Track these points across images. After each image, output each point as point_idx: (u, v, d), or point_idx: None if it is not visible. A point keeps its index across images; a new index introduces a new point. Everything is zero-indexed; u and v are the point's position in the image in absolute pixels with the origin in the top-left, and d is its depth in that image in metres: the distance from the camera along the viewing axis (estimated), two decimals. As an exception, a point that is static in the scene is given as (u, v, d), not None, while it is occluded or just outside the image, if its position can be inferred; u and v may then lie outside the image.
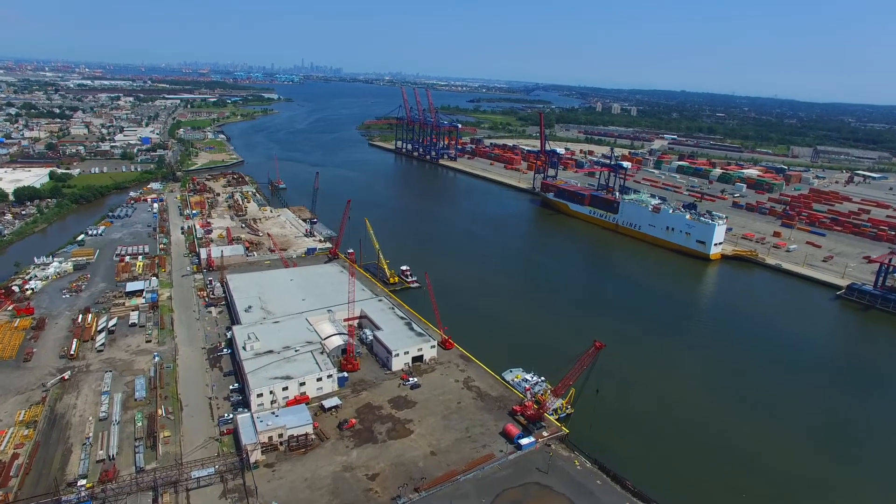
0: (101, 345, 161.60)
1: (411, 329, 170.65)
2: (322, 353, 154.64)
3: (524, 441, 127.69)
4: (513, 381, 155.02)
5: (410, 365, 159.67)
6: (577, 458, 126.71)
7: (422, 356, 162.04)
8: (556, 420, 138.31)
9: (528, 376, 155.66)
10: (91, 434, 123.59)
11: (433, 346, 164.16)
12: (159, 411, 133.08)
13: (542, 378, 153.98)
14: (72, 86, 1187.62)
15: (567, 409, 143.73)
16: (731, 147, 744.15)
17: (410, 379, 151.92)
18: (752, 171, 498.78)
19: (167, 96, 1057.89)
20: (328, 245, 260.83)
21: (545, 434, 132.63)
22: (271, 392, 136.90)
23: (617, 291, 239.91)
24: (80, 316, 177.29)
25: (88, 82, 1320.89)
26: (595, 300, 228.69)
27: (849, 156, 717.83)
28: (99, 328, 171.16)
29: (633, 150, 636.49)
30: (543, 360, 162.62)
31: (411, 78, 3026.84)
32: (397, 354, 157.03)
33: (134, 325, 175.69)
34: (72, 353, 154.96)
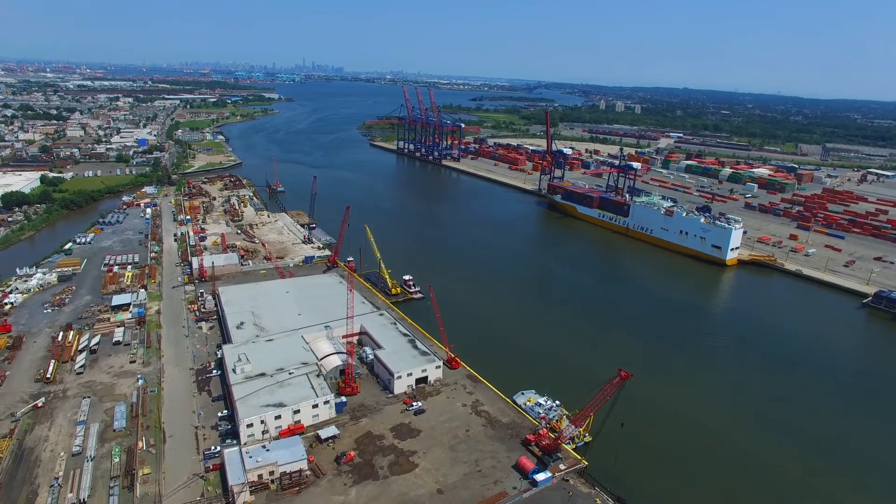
0: (80, 366, 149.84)
1: (415, 347, 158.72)
2: (318, 375, 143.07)
3: (540, 476, 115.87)
4: (525, 404, 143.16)
5: (414, 387, 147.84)
6: (599, 495, 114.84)
7: (426, 377, 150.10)
8: (573, 450, 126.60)
9: (541, 400, 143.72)
10: (61, 473, 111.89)
11: (438, 367, 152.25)
12: (140, 444, 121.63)
13: (557, 402, 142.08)
14: (71, 87, 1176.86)
15: (584, 437, 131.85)
16: (738, 145, 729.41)
17: (414, 403, 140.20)
18: (763, 171, 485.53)
19: (167, 97, 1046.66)
20: (327, 253, 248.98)
21: (562, 467, 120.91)
22: (262, 422, 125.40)
23: (631, 301, 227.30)
24: (61, 333, 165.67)
25: (88, 83, 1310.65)
26: (608, 311, 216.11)
27: (859, 153, 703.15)
28: (80, 347, 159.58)
29: (639, 149, 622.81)
30: (557, 380, 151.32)
31: (413, 77, 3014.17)
32: (399, 377, 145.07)
33: (118, 342, 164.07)
34: (48, 376, 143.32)
